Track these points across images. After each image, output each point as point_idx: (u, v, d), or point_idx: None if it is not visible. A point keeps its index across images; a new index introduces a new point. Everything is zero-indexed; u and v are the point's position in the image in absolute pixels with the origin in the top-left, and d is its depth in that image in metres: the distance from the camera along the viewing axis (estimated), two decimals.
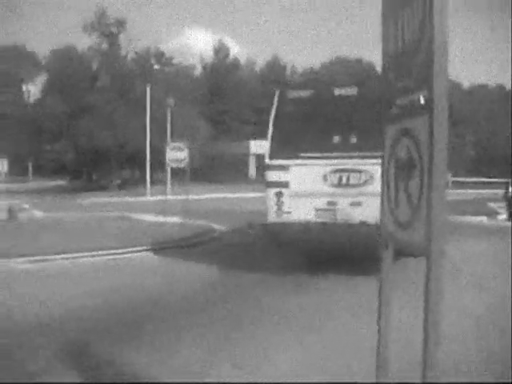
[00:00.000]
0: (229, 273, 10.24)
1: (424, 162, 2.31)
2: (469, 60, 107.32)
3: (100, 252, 11.78)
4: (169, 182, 38.25)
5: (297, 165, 9.33)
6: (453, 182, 50.94)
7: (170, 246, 13.08)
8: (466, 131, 67.24)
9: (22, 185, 64.61)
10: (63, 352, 5.51)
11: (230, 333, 6.26)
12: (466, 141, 66.83)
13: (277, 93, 10.04)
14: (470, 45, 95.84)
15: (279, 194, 9.36)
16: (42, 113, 66.15)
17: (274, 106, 9.81)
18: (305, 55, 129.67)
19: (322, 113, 9.39)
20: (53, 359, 5.27)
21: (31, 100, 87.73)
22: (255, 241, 14.24)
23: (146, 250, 12.51)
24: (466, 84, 77.82)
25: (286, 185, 9.34)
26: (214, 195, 37.27)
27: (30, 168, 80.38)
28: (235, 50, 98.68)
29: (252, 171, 59.41)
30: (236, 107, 68.74)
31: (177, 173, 31.88)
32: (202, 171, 48.62)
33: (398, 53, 2.59)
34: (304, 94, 9.82)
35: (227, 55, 74.30)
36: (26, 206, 29.15)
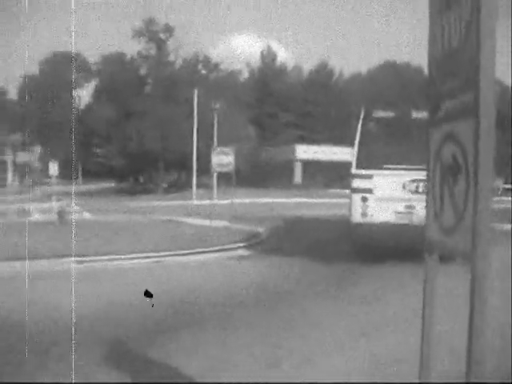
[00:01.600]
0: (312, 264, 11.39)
1: (469, 167, 2.26)
2: None
3: (151, 254, 11.92)
4: (215, 186, 38.54)
5: (380, 174, 10.73)
6: (504, 189, 49.78)
7: (226, 249, 13.17)
8: None
9: (72, 187, 66.09)
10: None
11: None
12: None
13: (362, 111, 11.34)
14: None
15: (364, 199, 10.82)
16: (91, 117, 67.66)
17: (360, 123, 11.14)
18: (353, 60, 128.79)
19: (401, 131, 10.72)
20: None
21: (81, 105, 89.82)
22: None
23: (203, 253, 12.59)
24: None
25: (370, 191, 10.78)
26: (259, 200, 37.33)
27: (80, 171, 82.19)
28: (282, 54, 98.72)
29: (297, 176, 59.23)
30: (283, 112, 68.79)
31: (223, 177, 32.14)
32: (248, 176, 48.84)
33: (444, 55, 2.55)
34: (386, 114, 11.33)
35: (274, 60, 74.42)
36: (77, 207, 29.82)
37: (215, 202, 28.45)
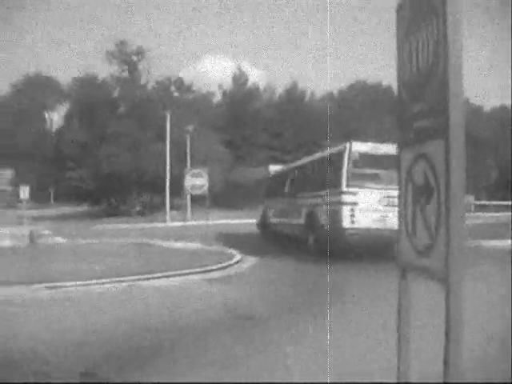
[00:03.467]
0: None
1: (441, 187, 2.27)
2: (490, 82, 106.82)
3: (123, 278, 11.72)
4: (188, 208, 38.38)
5: (362, 192, 14.23)
6: (475, 205, 50.65)
7: (200, 271, 13.02)
8: (487, 154, 66.92)
9: (44, 211, 65.28)
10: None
11: None
12: (487, 164, 66.46)
13: (349, 144, 14.62)
14: (492, 67, 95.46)
15: (352, 210, 14.19)
16: (63, 140, 67.16)
17: (347, 154, 14.48)
18: (324, 80, 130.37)
19: (376, 160, 14.28)
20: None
21: (53, 128, 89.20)
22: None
23: (177, 275, 12.39)
24: (487, 107, 77.56)
25: (355, 204, 14.21)
26: (232, 221, 37.29)
27: (52, 194, 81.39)
28: (254, 76, 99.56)
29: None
30: (255, 133, 69.13)
31: (196, 199, 32.06)
32: (222, 197, 48.79)
33: (413, 77, 2.57)
34: (366, 147, 14.78)
35: (246, 82, 74.95)
36: (47, 231, 29.42)
37: (189, 223, 28.34)
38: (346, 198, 14.31)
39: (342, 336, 6.80)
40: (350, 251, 14.75)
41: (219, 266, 13.88)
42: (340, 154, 14.85)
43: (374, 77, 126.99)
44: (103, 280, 11.45)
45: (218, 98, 73.20)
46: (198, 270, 13.15)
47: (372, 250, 15.06)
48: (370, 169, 14.49)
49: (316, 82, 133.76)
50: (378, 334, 6.77)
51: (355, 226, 14.17)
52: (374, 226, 14.12)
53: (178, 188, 35.04)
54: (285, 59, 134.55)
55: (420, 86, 2.49)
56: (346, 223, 14.19)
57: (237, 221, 37.55)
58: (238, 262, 14.93)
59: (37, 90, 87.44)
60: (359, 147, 14.70)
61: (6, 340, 7.02)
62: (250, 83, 75.33)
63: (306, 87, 78.32)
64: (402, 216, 2.74)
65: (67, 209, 67.01)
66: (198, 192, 19.98)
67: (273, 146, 68.17)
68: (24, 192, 31.81)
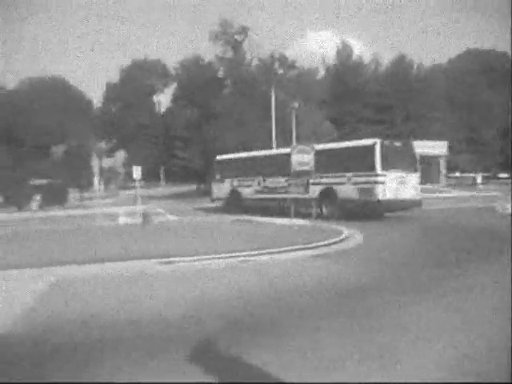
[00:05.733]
0: None
1: None
2: None
3: (234, 254, 11.94)
4: None
5: (388, 174, 20.50)
6: None
7: (308, 247, 13.06)
8: None
9: (155, 190, 67.78)
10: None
11: None
12: None
13: (379, 141, 20.81)
14: None
15: (383, 186, 20.29)
16: (172, 121, 69.12)
17: (379, 147, 20.57)
18: (432, 51, 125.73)
19: (392, 152, 21.17)
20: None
21: (162, 110, 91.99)
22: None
23: (285, 252, 12.50)
24: None
25: (385, 182, 20.36)
26: None
27: (162, 174, 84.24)
28: (359, 49, 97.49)
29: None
30: (360, 108, 67.84)
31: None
32: None
33: None
34: (388, 143, 21.28)
35: (350, 56, 73.50)
36: (161, 210, 30.54)
37: None
38: (380, 178, 20.29)
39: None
40: (382, 215, 22.20)
41: (327, 242, 13.86)
42: (371, 147, 20.64)
43: (486, 44, 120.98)
44: (219, 255, 11.76)
45: (321, 73, 72.24)
46: (304, 246, 13.21)
47: (391, 212, 22.43)
48: (390, 158, 20.61)
49: (424, 52, 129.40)
50: None
51: (385, 198, 20.29)
52: (392, 197, 20.52)
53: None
54: (390, 32, 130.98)
55: None
56: (381, 196, 20.22)
57: None
58: (346, 238, 14.86)
59: (145, 73, 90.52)
60: (385, 143, 20.92)
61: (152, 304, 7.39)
62: (354, 57, 73.85)
63: (413, 58, 75.04)
64: None
65: (177, 188, 69.17)
66: (304, 168, 19.87)
67: (378, 120, 66.69)
68: (137, 172, 32.90)
